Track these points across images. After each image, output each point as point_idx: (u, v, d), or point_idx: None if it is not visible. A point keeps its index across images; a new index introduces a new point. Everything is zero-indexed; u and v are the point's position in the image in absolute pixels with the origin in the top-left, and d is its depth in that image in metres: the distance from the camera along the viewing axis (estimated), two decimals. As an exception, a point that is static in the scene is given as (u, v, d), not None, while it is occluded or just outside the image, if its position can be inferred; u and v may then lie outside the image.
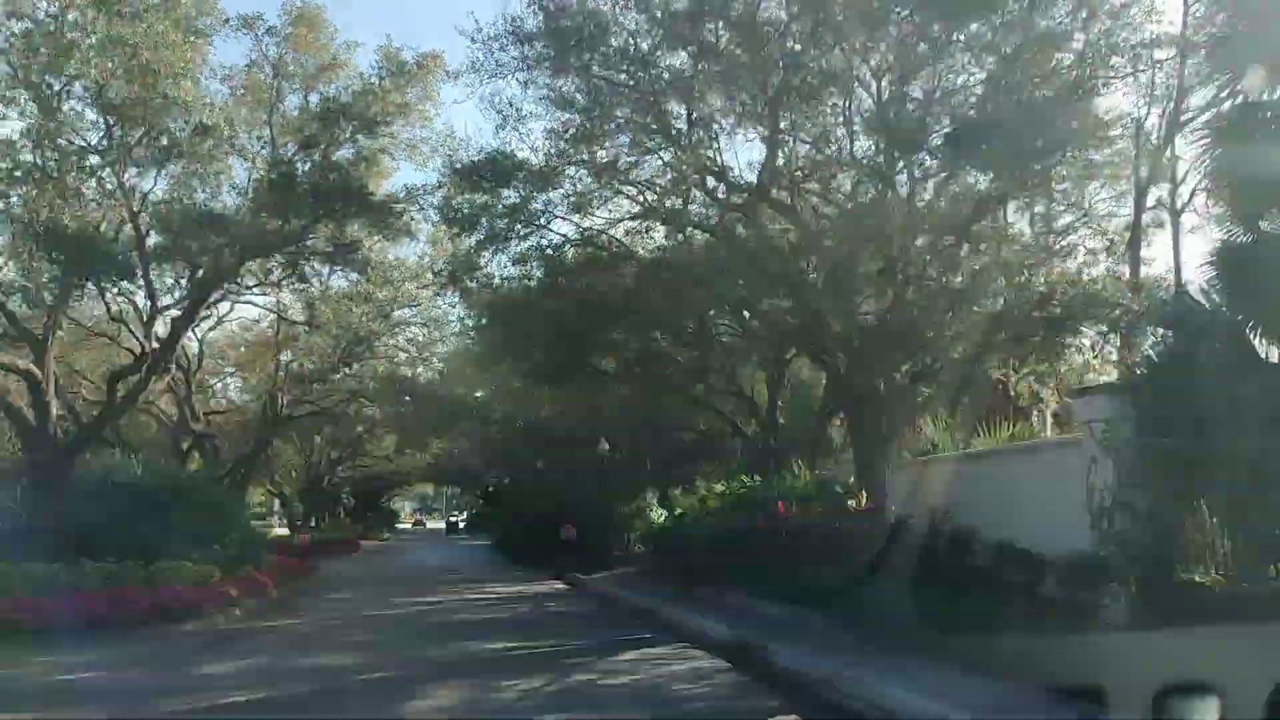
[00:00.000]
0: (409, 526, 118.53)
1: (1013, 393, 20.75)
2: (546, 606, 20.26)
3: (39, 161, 17.78)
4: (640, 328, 23.64)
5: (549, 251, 22.23)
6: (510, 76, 19.20)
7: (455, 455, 54.69)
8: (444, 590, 24.10)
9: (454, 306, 30.28)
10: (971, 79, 17.49)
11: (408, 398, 34.36)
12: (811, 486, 19.46)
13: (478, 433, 45.64)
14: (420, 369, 35.43)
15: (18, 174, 17.37)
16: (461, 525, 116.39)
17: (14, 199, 18.18)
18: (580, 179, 20.78)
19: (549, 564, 32.20)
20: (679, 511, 26.29)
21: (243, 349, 37.14)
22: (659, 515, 35.13)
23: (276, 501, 75.89)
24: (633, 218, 22.12)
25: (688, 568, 21.27)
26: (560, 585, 25.47)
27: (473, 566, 37.17)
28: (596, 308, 21.77)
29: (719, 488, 24.10)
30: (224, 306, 29.10)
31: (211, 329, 30.26)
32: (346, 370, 32.09)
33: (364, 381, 34.17)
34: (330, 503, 73.02)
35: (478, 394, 36.18)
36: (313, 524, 69.80)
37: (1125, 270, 20.51)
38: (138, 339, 23.44)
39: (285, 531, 48.67)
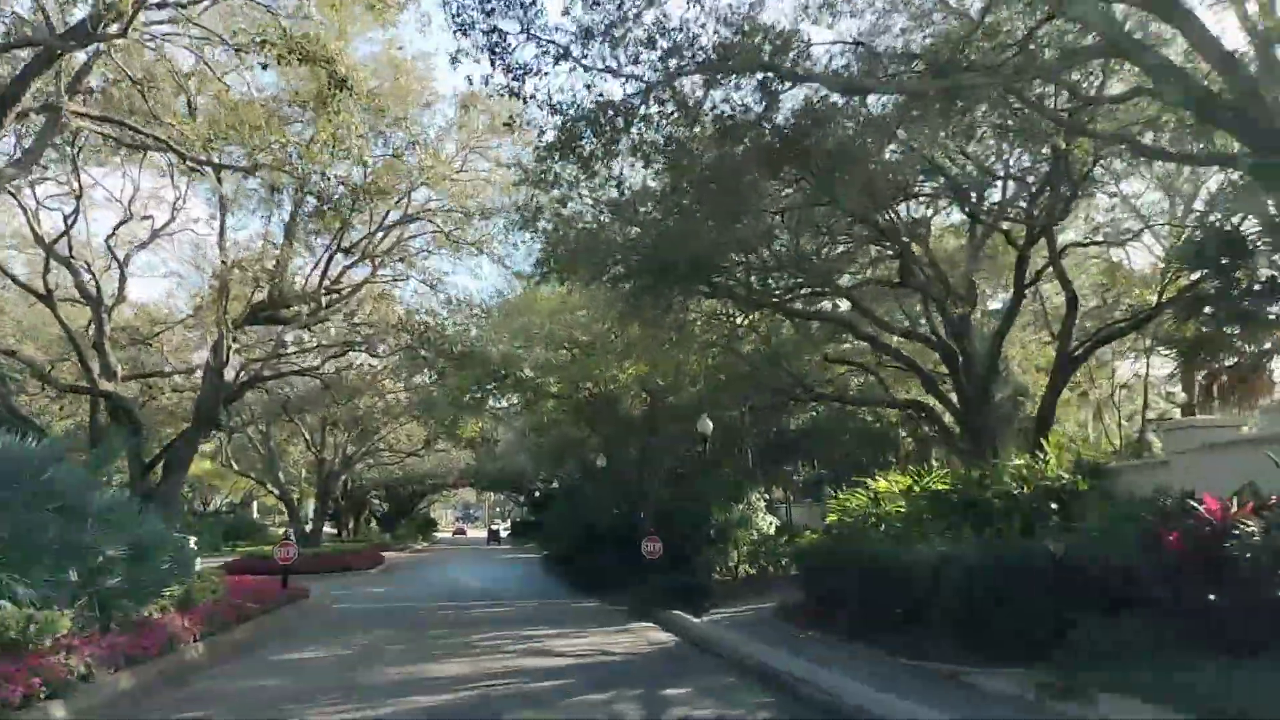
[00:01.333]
0: (449, 535, 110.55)
1: None
2: (670, 708, 10.63)
3: None
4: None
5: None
6: None
7: (497, 451, 45.68)
8: (478, 645, 14.90)
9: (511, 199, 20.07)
10: None
11: (425, 352, 24.81)
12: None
13: (523, 420, 36.61)
14: (444, 313, 25.66)
15: None
16: (504, 534, 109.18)
17: None
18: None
19: (622, 589, 23.30)
20: (846, 519, 17.04)
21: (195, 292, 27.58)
22: (766, 524, 26.20)
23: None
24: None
25: (907, 615, 12.07)
26: (661, 636, 16.06)
27: (519, 591, 27.94)
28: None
29: (936, 483, 15.00)
30: (160, 214, 20.17)
31: (142, 244, 21.03)
32: (331, 294, 22.59)
33: (357, 317, 24.88)
34: (355, 508, 64.48)
35: (522, 362, 26.71)
36: (337, 533, 61.63)
37: None
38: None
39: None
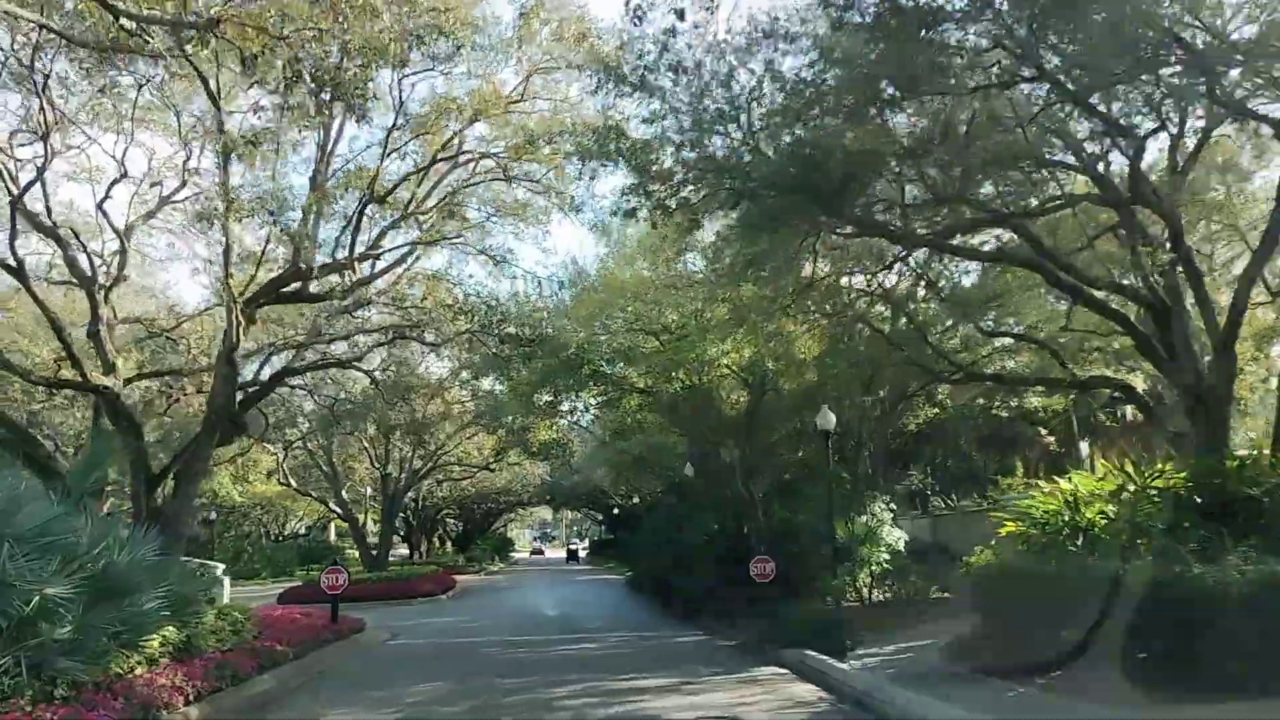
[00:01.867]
0: (526, 555, 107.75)
1: None
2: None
3: None
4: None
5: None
6: None
7: (573, 464, 42.08)
8: (563, 706, 11.08)
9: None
10: None
11: (488, 341, 20.68)
12: None
13: (601, 424, 32.90)
14: (508, 296, 21.69)
15: None
16: (582, 554, 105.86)
17: None
18: None
19: (727, 619, 20.05)
20: (1031, 530, 12.91)
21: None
22: (894, 539, 22.30)
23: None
24: None
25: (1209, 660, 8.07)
26: (803, 691, 11.95)
27: (605, 620, 24.14)
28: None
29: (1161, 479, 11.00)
30: (169, 180, 16.97)
31: (149, 214, 17.63)
32: (370, 260, 18.94)
33: (407, 303, 21.24)
34: (427, 528, 61.55)
35: (601, 351, 22.69)
36: (408, 555, 58.74)
37: None
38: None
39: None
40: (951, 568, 16.87)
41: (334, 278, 17.85)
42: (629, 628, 22.13)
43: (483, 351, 21.32)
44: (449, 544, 74.99)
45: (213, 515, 58.30)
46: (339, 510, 36.27)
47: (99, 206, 16.15)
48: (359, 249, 18.03)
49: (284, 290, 17.16)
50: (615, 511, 74.08)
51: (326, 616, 21.56)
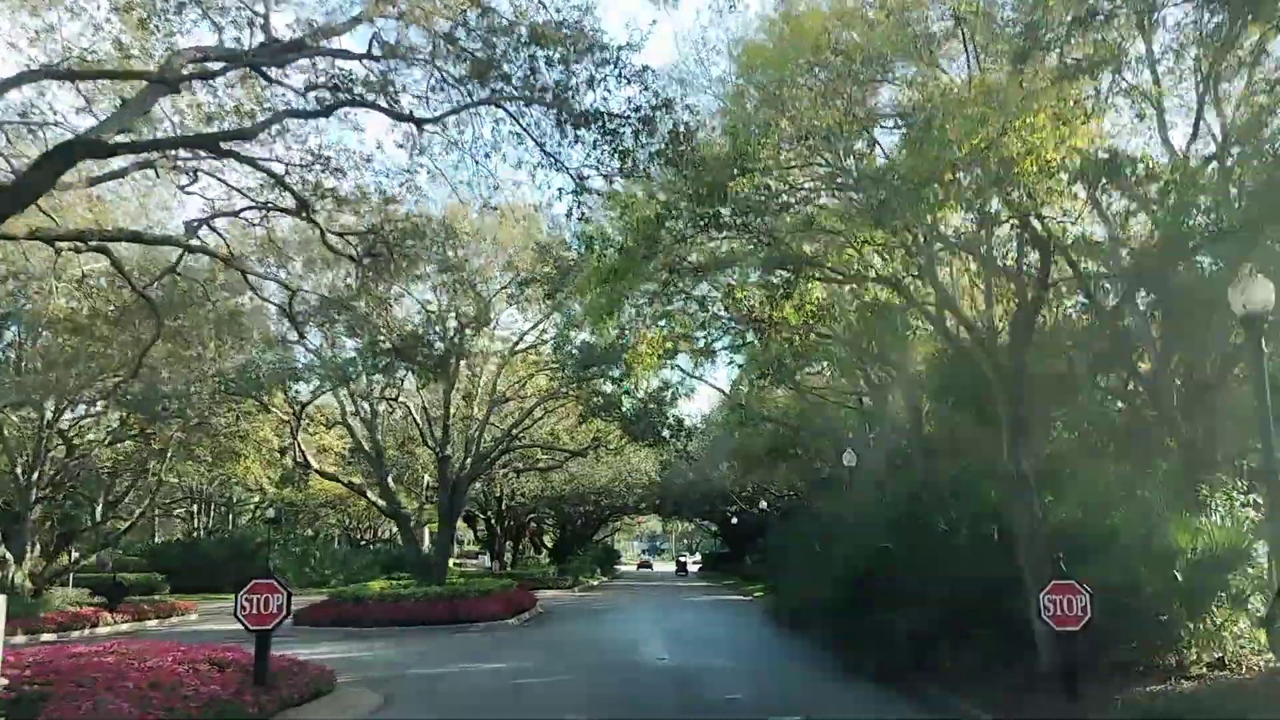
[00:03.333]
0: (633, 569, 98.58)
1: None
2: None
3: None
4: None
5: None
6: None
7: (688, 451, 32.38)
8: None
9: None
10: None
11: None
12: None
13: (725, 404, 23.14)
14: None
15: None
16: (693, 569, 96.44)
17: None
18: None
19: (975, 687, 10.82)
20: None
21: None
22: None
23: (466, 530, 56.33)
24: None
25: None
26: None
27: (749, 680, 14.25)
28: None
29: None
30: None
31: None
32: None
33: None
34: (513, 533, 52.74)
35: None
36: (492, 565, 49.96)
37: None
38: None
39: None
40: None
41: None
42: (793, 699, 12.34)
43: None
44: (544, 553, 66.19)
45: (270, 512, 51.08)
46: (382, 502, 27.55)
47: None
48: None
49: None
50: (734, 521, 64.19)
51: (287, 659, 12.63)
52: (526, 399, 30.13)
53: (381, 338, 15.50)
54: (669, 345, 16.15)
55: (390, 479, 28.28)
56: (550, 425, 33.03)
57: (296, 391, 23.01)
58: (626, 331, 16.36)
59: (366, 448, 28.06)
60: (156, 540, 53.29)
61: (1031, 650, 11.95)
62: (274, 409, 25.65)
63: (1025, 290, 12.40)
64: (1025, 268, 12.48)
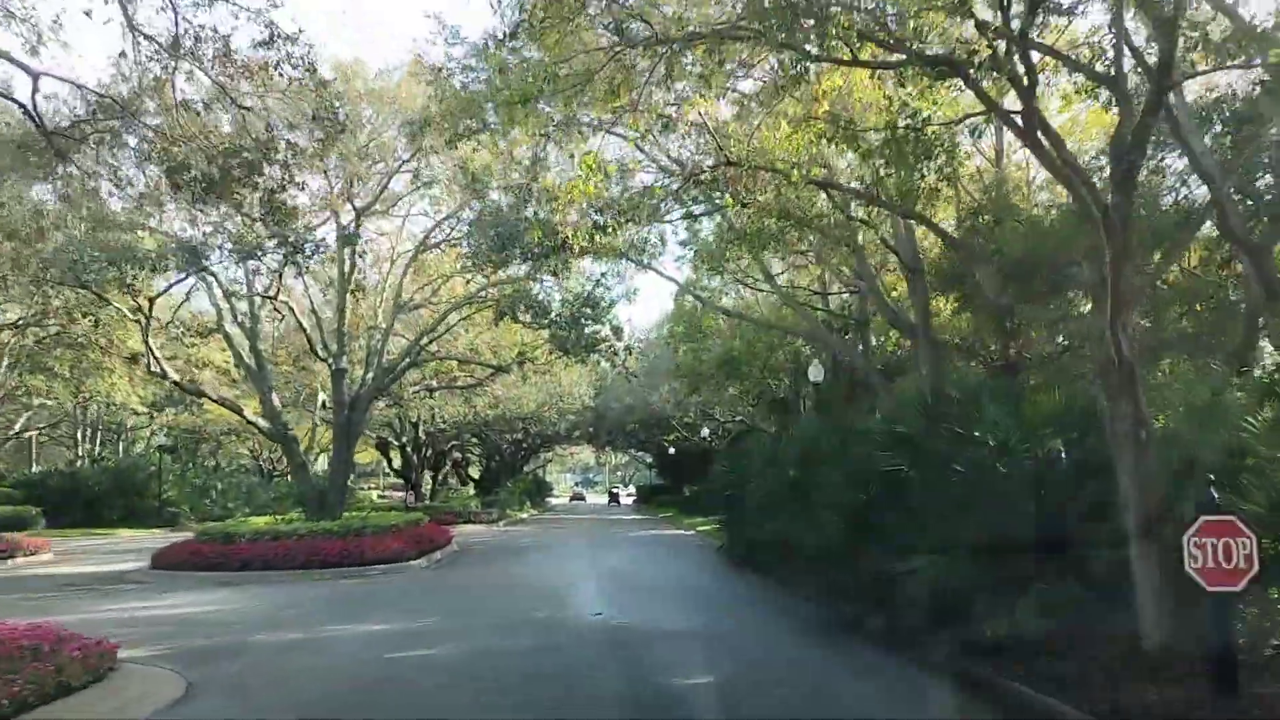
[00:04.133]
0: (565, 501, 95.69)
1: None
2: None
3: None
4: None
5: None
6: None
7: (625, 377, 28.43)
8: None
9: None
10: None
11: None
12: None
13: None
14: None
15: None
16: (626, 500, 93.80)
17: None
18: None
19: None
20: None
21: None
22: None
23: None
24: None
25: None
26: None
27: (728, 654, 10.37)
28: None
29: None
30: None
31: None
32: None
33: None
34: (432, 463, 48.53)
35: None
36: (409, 497, 45.66)
37: None
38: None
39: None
40: None
41: None
42: (787, 682, 8.56)
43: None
44: (472, 485, 62.14)
45: (162, 438, 46.08)
46: (263, 423, 23.02)
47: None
48: None
49: None
50: (671, 451, 60.92)
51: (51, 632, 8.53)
52: (440, 305, 25.72)
53: (191, 161, 11.17)
54: (611, 169, 11.91)
55: (276, 397, 23.72)
56: (470, 339, 28.70)
57: (133, 278, 18.22)
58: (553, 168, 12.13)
59: (247, 359, 23.48)
60: (34, 469, 47.87)
61: (1122, 616, 8.39)
62: (117, 305, 20.70)
63: (1131, 104, 8.50)
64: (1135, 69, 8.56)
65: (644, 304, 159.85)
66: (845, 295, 23.16)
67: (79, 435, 47.83)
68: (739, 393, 32.34)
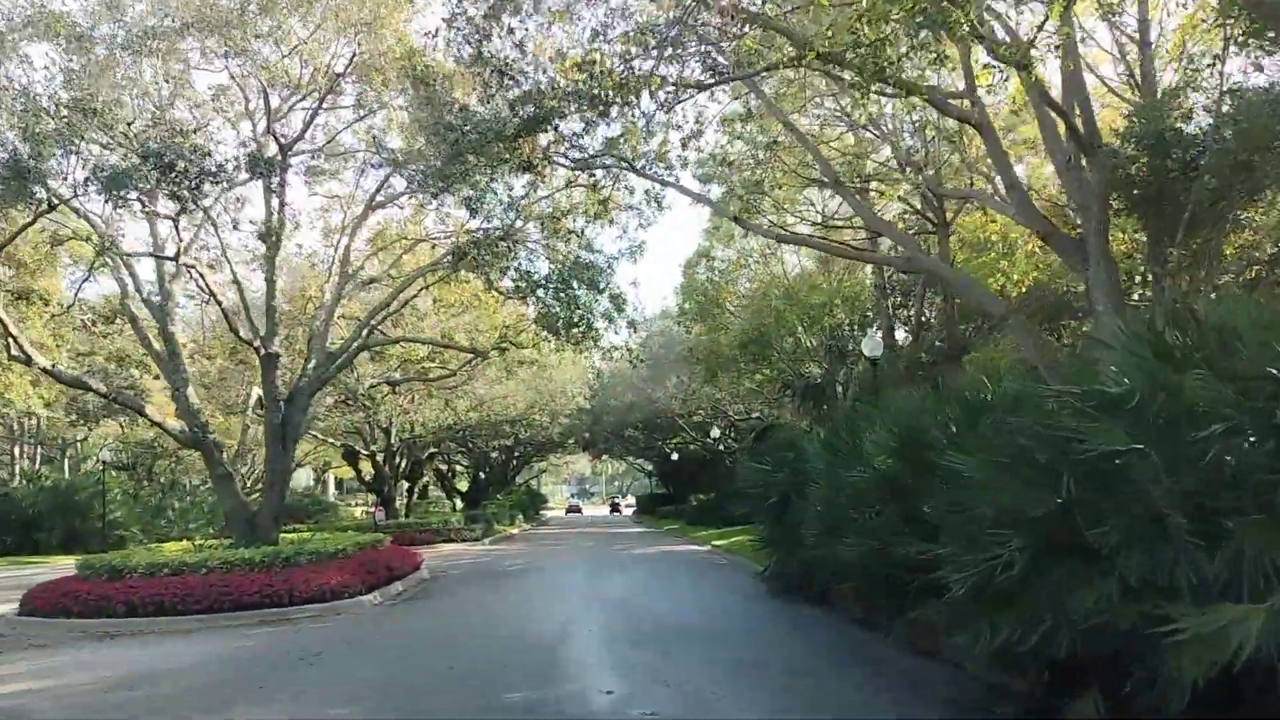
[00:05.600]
0: (560, 514, 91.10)
1: None
2: None
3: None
4: None
5: None
6: None
7: (629, 361, 23.54)
8: None
9: None
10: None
11: None
12: None
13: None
14: None
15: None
16: (627, 511, 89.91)
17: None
18: None
19: None
20: None
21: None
22: None
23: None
24: None
25: None
26: None
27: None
28: None
29: None
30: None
31: None
32: None
33: None
34: (407, 473, 43.48)
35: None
36: (376, 509, 40.34)
37: None
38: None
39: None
40: None
41: None
42: None
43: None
44: (457, 499, 57.10)
45: (106, 454, 41.02)
46: (174, 424, 18.04)
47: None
48: None
49: None
50: (675, 457, 56.13)
51: None
52: (399, 278, 20.85)
53: None
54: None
55: (192, 392, 18.76)
56: (442, 322, 23.82)
57: None
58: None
59: (154, 344, 18.59)
60: (-42, 489, 42.76)
61: None
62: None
63: None
64: None
65: (651, 269, 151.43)
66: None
67: (15, 451, 42.77)
68: (761, 382, 27.49)
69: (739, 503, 21.38)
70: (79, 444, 46.67)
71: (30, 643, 13.35)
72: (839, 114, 19.96)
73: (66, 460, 47.65)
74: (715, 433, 41.74)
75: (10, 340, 16.21)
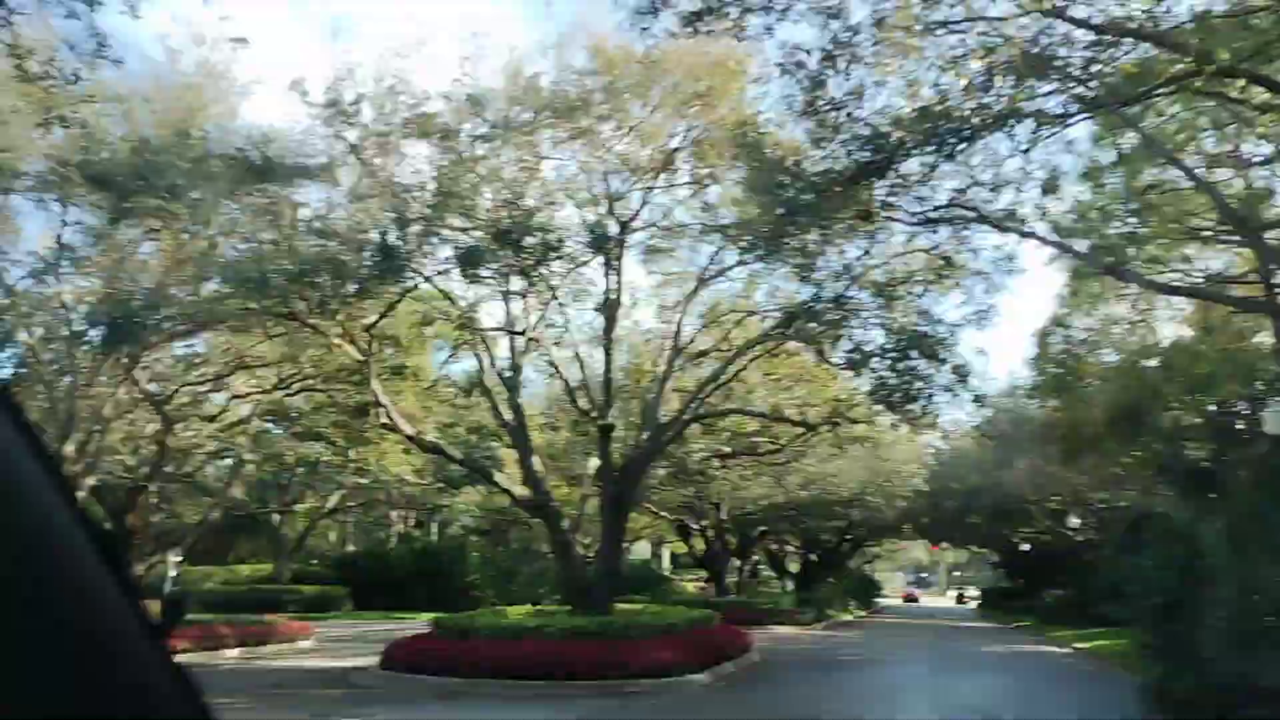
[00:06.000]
0: (895, 602, 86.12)
1: None
2: None
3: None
4: None
5: None
6: None
7: (981, 437, 21.40)
8: None
9: None
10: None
11: None
12: None
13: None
14: None
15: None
16: (971, 603, 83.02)
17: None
18: None
19: None
20: None
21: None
22: None
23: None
24: None
25: None
26: None
27: None
28: None
29: None
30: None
31: None
32: None
33: None
34: (738, 550, 42.97)
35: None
36: (709, 587, 40.30)
37: None
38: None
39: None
40: None
41: None
42: None
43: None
44: (788, 580, 55.81)
45: (467, 519, 44.66)
46: (520, 490, 18.95)
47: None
48: None
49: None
50: (1023, 548, 51.07)
51: None
52: (729, 350, 20.76)
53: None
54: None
55: (537, 460, 19.69)
56: (772, 394, 23.40)
57: (346, 291, 14.60)
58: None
59: (505, 415, 19.80)
60: (348, 549, 48.35)
61: None
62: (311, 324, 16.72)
63: None
64: None
65: (997, 338, 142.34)
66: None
67: (392, 514, 47.80)
68: (1130, 465, 24.13)
69: (1108, 601, 18.54)
70: (445, 510, 51.26)
71: (371, 698, 14.22)
72: (1230, 154, 17.30)
73: (434, 525, 52.43)
74: (1075, 521, 37.41)
75: (382, 409, 17.97)
